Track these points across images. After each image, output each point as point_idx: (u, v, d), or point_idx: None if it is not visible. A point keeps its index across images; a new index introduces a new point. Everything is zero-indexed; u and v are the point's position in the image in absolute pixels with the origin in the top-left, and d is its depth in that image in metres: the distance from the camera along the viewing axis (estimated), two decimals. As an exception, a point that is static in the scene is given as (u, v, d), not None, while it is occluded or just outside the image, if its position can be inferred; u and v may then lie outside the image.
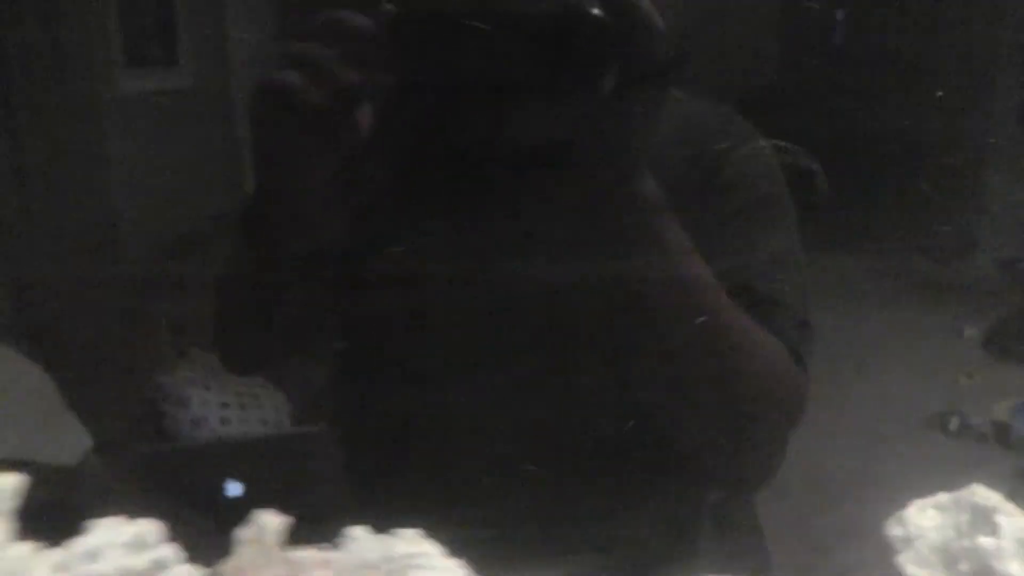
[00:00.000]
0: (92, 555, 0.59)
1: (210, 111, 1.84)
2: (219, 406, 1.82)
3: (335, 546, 0.51)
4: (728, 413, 0.82)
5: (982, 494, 0.64)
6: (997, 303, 2.49)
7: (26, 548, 0.52)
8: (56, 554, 0.57)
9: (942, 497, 0.66)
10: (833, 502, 1.60)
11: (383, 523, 0.49)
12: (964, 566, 0.63)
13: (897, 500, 0.65)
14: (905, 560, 0.66)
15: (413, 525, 0.48)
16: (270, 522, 0.52)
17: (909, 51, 3.03)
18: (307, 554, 0.51)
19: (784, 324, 0.83)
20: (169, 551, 0.60)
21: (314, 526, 0.51)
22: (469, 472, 0.87)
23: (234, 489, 0.75)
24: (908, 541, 0.66)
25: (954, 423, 2.15)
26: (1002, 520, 0.60)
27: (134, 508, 0.55)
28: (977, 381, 2.26)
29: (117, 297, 1.84)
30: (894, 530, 0.67)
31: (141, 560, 0.59)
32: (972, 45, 3.03)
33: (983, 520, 0.61)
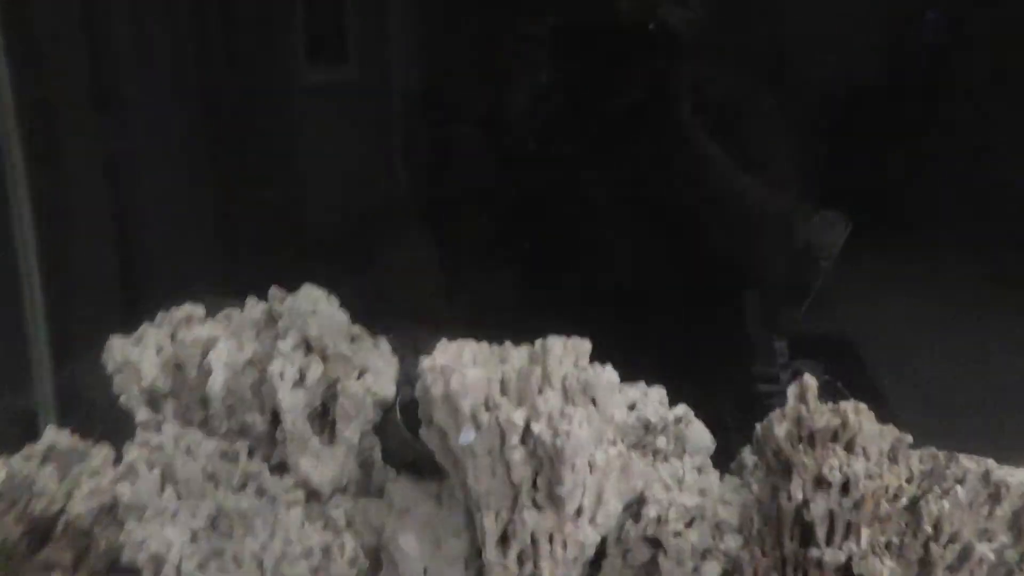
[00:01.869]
0: (634, 404, 0.80)
1: (373, 103, 2.01)
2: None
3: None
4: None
5: None
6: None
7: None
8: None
9: None
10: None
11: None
12: None
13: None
14: None
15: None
16: (811, 380, 0.74)
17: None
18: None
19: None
20: (687, 409, 0.82)
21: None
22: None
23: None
24: None
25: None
26: None
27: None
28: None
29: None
30: None
31: (672, 412, 0.80)
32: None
33: None
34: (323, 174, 1.59)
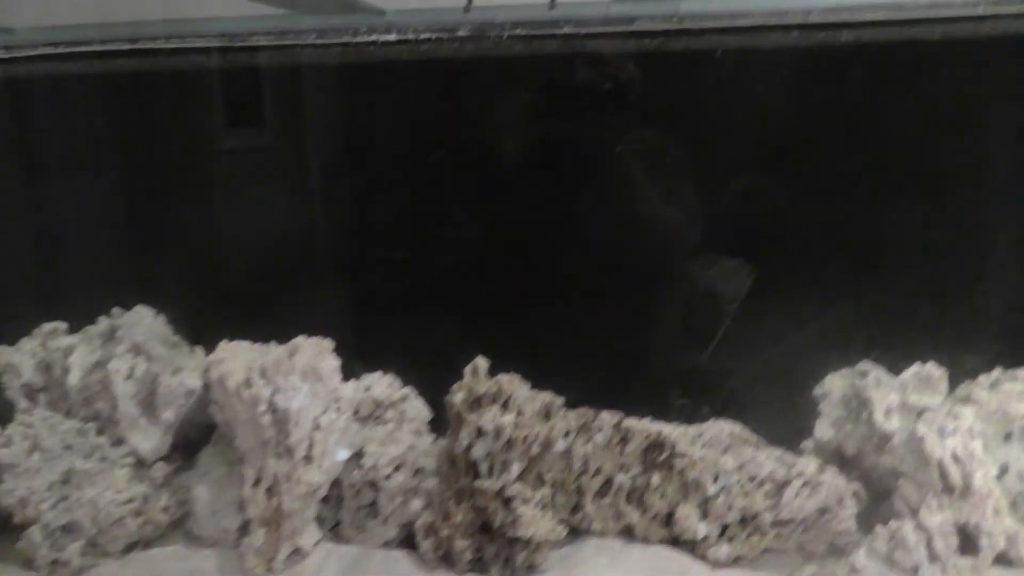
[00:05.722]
0: (369, 387, 1.08)
1: (288, 164, 2.15)
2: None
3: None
4: None
5: (869, 365, 1.09)
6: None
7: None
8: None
9: (844, 370, 1.11)
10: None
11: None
12: (852, 404, 1.08)
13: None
14: (821, 407, 1.11)
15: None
16: (482, 360, 1.01)
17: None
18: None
19: None
20: (410, 390, 1.09)
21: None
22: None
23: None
24: (824, 396, 1.11)
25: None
26: (876, 374, 1.06)
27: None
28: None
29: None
30: (816, 390, 1.12)
31: (397, 393, 1.08)
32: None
33: (865, 377, 1.06)
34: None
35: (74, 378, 1.12)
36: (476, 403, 1.02)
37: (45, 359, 1.14)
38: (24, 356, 1.14)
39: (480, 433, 1.00)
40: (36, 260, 1.54)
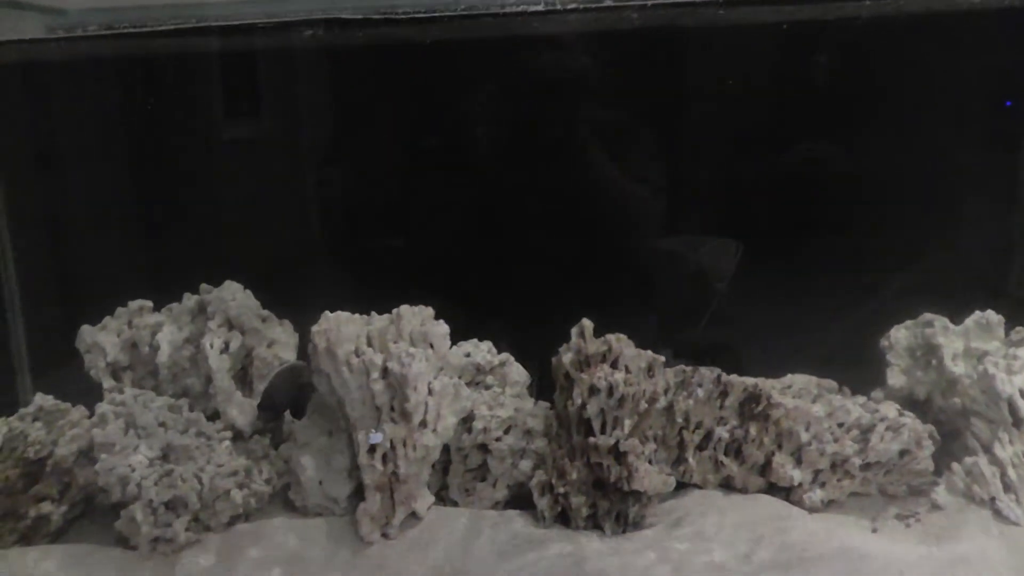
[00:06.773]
0: (469, 353, 1.10)
1: (283, 152, 2.19)
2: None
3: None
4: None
5: (932, 316, 1.17)
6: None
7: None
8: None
9: (908, 322, 1.19)
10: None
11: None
12: (918, 353, 1.16)
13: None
14: (889, 357, 1.19)
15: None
16: (587, 322, 1.05)
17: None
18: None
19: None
20: (508, 356, 1.11)
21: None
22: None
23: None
24: (890, 347, 1.19)
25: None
26: (942, 323, 1.14)
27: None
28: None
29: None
30: (883, 342, 1.20)
31: (497, 358, 1.10)
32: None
33: (932, 327, 1.14)
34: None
35: (164, 355, 1.11)
36: (585, 362, 1.06)
37: (131, 337, 1.12)
38: (109, 335, 1.12)
39: (593, 391, 1.04)
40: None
